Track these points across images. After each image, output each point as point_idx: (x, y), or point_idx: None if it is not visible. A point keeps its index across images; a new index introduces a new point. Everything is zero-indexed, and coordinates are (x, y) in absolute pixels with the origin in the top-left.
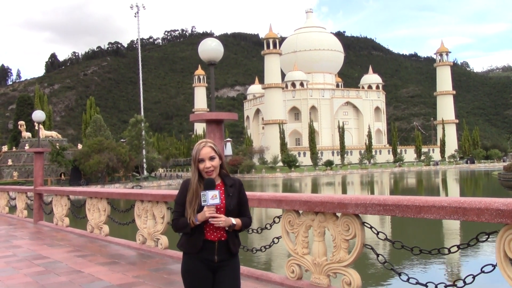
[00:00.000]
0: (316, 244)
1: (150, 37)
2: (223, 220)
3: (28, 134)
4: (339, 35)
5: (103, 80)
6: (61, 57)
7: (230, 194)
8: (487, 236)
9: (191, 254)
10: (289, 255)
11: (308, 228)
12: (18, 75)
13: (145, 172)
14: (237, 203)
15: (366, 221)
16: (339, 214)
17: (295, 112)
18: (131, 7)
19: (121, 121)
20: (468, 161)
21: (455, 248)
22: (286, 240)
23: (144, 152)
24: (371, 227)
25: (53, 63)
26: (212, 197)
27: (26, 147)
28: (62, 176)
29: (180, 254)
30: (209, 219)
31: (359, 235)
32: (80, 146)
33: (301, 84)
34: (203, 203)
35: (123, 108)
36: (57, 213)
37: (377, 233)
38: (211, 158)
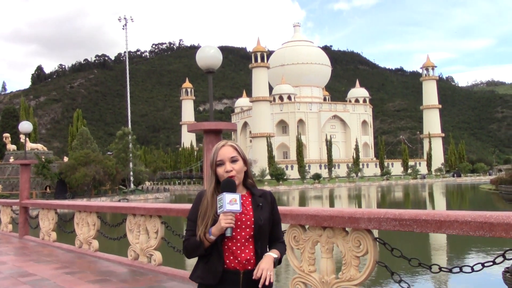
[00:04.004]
0: (324, 261)
1: (138, 50)
2: (269, 270)
3: (13, 147)
4: (326, 49)
5: (89, 92)
6: (47, 70)
7: (259, 204)
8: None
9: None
10: (294, 272)
11: (315, 244)
12: (4, 88)
13: (132, 185)
14: (268, 218)
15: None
16: (349, 229)
17: (283, 125)
18: (119, 20)
19: (108, 134)
20: (455, 175)
21: (479, 266)
22: (291, 256)
23: (131, 165)
24: (384, 243)
25: (39, 75)
26: (231, 202)
27: (11, 160)
28: (48, 189)
29: (175, 271)
30: (226, 231)
31: (371, 252)
32: (66, 159)
33: (289, 98)
34: (218, 210)
35: (109, 121)
36: (44, 228)
37: (391, 250)
38: (233, 160)
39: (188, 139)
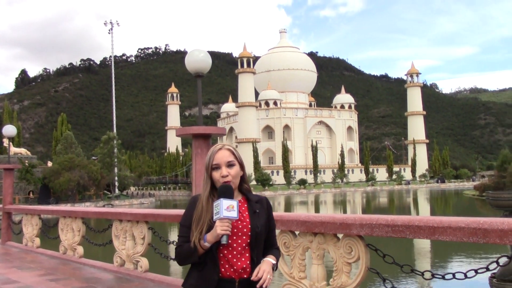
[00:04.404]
0: (315, 268)
1: (123, 55)
2: (269, 274)
3: None
4: (312, 55)
5: (74, 97)
6: (31, 74)
7: (256, 211)
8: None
9: None
10: (284, 279)
11: (305, 250)
12: None
13: (116, 191)
14: (265, 225)
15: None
16: (340, 235)
17: (269, 131)
18: (105, 24)
19: (92, 139)
20: (439, 181)
21: (473, 273)
22: (281, 263)
23: (116, 170)
24: (376, 250)
25: (23, 79)
26: (228, 208)
27: None
28: (31, 195)
29: (162, 277)
30: (222, 238)
31: (363, 258)
32: (50, 164)
33: (275, 103)
34: (215, 217)
35: (94, 126)
36: (27, 233)
37: (383, 256)
38: (229, 165)
39: (173, 144)
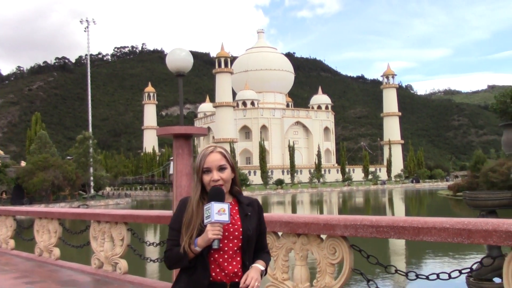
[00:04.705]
0: (298, 269)
1: (99, 53)
2: (257, 281)
3: None
4: (289, 56)
5: (49, 95)
6: (4, 72)
7: (248, 214)
8: (492, 260)
9: None
10: (267, 280)
11: (288, 251)
12: None
13: (92, 191)
14: (256, 228)
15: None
16: (324, 236)
17: (246, 131)
18: (81, 22)
19: (67, 138)
20: (414, 181)
21: (457, 273)
22: None
23: (91, 170)
24: (360, 250)
25: None
26: (219, 212)
27: None
28: (4, 195)
29: (142, 279)
30: (213, 243)
31: (347, 259)
32: (23, 164)
33: (252, 103)
34: (206, 220)
35: (69, 125)
36: (1, 235)
37: (367, 257)
38: (221, 168)
39: (150, 144)
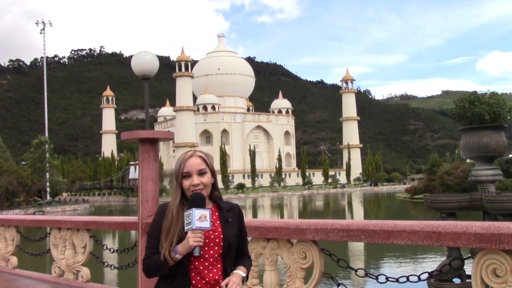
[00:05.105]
0: (268, 274)
1: (56, 56)
2: (239, 286)
3: None
4: (250, 60)
5: (2, 99)
6: None
7: (229, 220)
8: (461, 262)
9: None
10: None
11: (258, 256)
12: None
13: (48, 197)
14: (237, 234)
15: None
16: (294, 241)
17: (207, 135)
18: (37, 23)
19: (22, 143)
20: (372, 184)
21: (426, 275)
22: None
23: (47, 175)
24: (330, 254)
25: None
26: (200, 218)
27: None
28: None
29: (105, 287)
30: (194, 250)
31: (317, 263)
32: None
33: (213, 108)
34: (186, 227)
35: (24, 129)
36: None
37: (338, 261)
38: (201, 173)
39: (108, 148)
